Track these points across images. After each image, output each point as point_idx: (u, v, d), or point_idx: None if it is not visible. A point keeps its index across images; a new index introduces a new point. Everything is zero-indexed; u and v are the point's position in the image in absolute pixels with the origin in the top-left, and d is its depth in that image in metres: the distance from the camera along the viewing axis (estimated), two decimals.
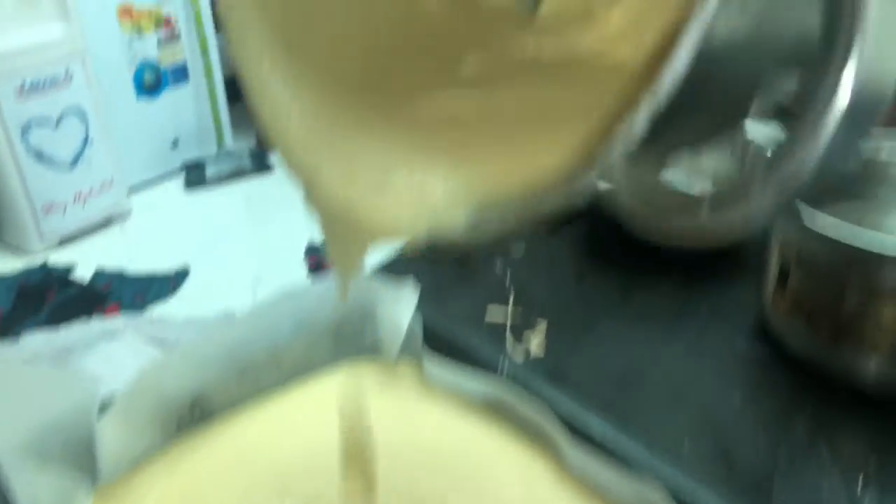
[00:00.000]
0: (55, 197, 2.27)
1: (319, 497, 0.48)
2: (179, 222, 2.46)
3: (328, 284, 0.57)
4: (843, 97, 0.25)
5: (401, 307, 0.58)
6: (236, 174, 2.69)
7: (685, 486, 0.48)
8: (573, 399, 0.54)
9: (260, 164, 2.75)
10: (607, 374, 0.62)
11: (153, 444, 0.52)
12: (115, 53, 2.49)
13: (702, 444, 0.54)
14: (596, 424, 0.52)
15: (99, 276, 2.05)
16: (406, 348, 0.60)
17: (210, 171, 2.69)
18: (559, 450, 0.50)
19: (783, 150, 0.25)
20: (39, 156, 2.22)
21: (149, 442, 0.52)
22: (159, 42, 2.59)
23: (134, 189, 2.56)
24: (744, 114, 0.26)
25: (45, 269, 2.13)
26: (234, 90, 2.97)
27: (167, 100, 2.66)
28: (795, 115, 0.25)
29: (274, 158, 2.79)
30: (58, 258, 2.23)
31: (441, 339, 0.61)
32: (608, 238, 0.82)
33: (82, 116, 2.29)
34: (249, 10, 0.32)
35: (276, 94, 0.33)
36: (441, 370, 0.58)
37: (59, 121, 2.24)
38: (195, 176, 2.68)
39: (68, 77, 2.23)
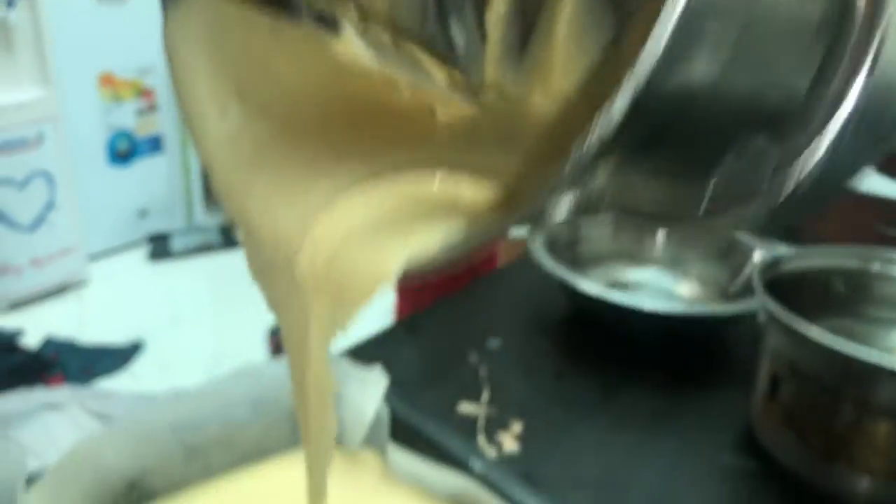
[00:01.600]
0: (11, 259, 2.20)
1: None
2: (139, 294, 2.39)
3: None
4: (851, 102, 0.22)
5: (367, 392, 0.54)
6: (203, 248, 2.64)
7: None
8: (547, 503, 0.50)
9: (228, 240, 2.71)
10: (585, 480, 0.58)
11: None
12: (91, 119, 2.47)
13: None
14: None
15: (48, 344, 1.96)
16: (370, 437, 0.55)
17: (176, 244, 2.63)
18: None
19: (784, 159, 0.22)
20: (0, 216, 2.16)
21: None
22: (138, 111, 2.57)
23: (96, 257, 2.50)
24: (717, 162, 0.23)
25: None
26: None
27: (139, 169, 2.62)
28: (798, 120, 0.22)
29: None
30: (7, 322, 2.14)
31: (408, 430, 0.57)
32: (589, 336, 0.78)
33: (49, 180, 2.25)
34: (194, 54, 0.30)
35: (216, 131, 0.31)
36: (406, 461, 0.53)
37: (24, 183, 2.19)
38: (160, 248, 2.62)
39: (39, 139, 2.19)
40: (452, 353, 0.73)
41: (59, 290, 2.34)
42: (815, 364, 0.54)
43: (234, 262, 2.58)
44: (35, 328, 2.09)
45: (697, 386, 0.71)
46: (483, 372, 0.71)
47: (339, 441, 0.56)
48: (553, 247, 0.78)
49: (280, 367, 0.55)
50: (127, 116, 2.56)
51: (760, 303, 0.59)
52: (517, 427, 0.63)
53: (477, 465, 0.52)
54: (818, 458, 0.55)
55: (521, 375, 0.72)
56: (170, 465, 0.50)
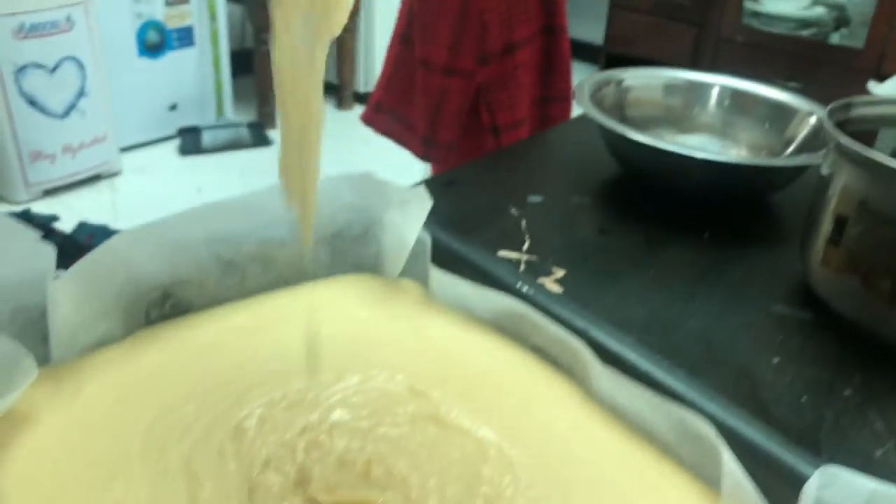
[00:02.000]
0: (44, 146, 2.19)
1: (272, 412, 0.41)
2: (169, 185, 2.38)
3: (332, 182, 0.51)
4: None
5: (409, 216, 0.51)
6: (233, 145, 2.62)
7: (728, 423, 0.41)
8: (601, 324, 0.47)
9: (258, 138, 2.68)
10: (632, 321, 0.55)
11: (115, 329, 0.45)
12: (121, 8, 2.42)
13: (740, 393, 0.48)
14: (629, 350, 0.46)
15: (82, 227, 1.97)
16: (411, 265, 0.53)
17: (206, 139, 2.61)
18: (585, 373, 0.44)
19: None
20: (32, 101, 2.14)
21: (111, 325, 0.45)
22: (167, 2, 2.52)
23: (127, 149, 2.48)
24: None
25: (27, 215, 2.05)
26: (240, 63, 2.91)
27: (169, 62, 2.58)
28: None
29: (273, 134, 2.73)
30: (41, 208, 2.15)
31: (450, 260, 0.54)
32: (635, 195, 0.75)
33: (80, 66, 2.22)
34: None
35: None
36: (449, 284, 0.51)
37: (55, 68, 2.17)
38: (191, 142, 2.60)
39: (70, 23, 2.16)
40: (492, 207, 0.71)
41: (92, 179, 2.34)
42: (890, 198, 0.50)
43: (262, 158, 2.56)
44: (68, 216, 2.10)
45: (748, 242, 0.68)
46: (524, 224, 0.68)
47: (380, 270, 0.54)
48: (600, 110, 0.74)
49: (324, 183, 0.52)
50: (157, 7, 2.51)
51: (827, 146, 0.55)
52: (559, 272, 0.61)
53: (524, 288, 0.50)
54: (883, 304, 0.52)
55: (562, 229, 0.69)
56: (204, 277, 0.48)
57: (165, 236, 0.46)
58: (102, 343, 0.45)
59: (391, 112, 1.22)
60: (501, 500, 0.37)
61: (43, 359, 0.42)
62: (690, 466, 0.40)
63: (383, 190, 0.52)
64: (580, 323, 0.47)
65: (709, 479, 0.39)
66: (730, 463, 0.36)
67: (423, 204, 0.51)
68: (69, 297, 0.41)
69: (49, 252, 0.42)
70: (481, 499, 0.37)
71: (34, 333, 0.42)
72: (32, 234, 0.41)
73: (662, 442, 0.41)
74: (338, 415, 0.41)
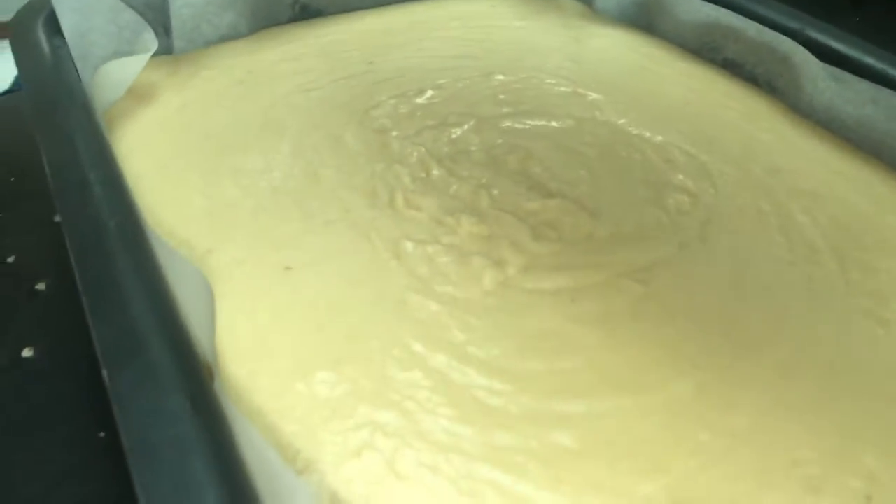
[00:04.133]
0: None
1: (409, 103, 0.35)
2: None
3: None
4: None
5: None
6: None
7: None
8: (821, 24, 0.38)
9: None
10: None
11: (240, 24, 0.40)
12: None
13: None
14: (858, 48, 0.36)
15: None
16: None
17: None
18: (796, 82, 0.36)
19: None
20: None
21: (236, 18, 0.39)
22: None
23: None
24: None
25: None
26: None
27: None
28: None
29: None
30: None
31: None
32: None
33: None
34: None
35: None
36: None
37: None
38: None
39: None
40: None
41: None
42: None
43: None
44: None
45: None
46: None
47: None
48: None
49: None
50: None
51: None
52: None
53: None
54: None
55: None
56: None
57: None
58: (226, 38, 0.40)
59: None
60: (700, 207, 0.31)
61: (166, 49, 0.38)
62: None
63: None
64: (794, 22, 0.38)
65: None
66: None
67: None
68: None
69: None
70: (674, 204, 0.31)
71: (156, 24, 0.37)
72: None
73: None
74: (487, 108, 0.35)
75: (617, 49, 0.41)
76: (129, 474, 0.15)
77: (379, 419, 0.21)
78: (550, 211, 0.30)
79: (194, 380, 0.18)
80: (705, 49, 0.41)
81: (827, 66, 0.35)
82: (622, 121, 0.36)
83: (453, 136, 0.33)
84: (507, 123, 0.34)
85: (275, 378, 0.22)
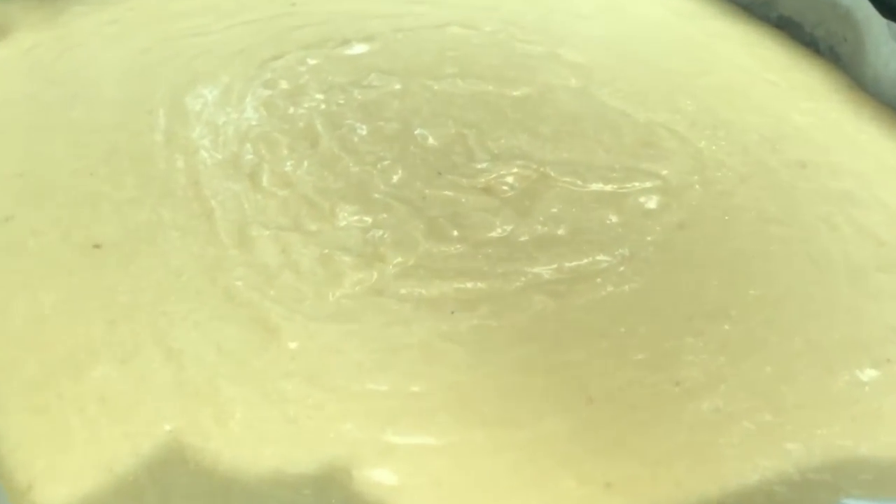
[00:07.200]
0: None
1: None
2: None
3: None
4: None
5: None
6: None
7: None
8: None
9: None
10: None
11: None
12: None
13: None
14: None
15: None
16: None
17: None
18: (858, 40, 0.26)
19: None
20: None
21: None
22: None
23: None
24: None
25: None
26: None
27: None
28: None
29: None
30: None
31: None
32: None
33: None
34: None
35: None
36: None
37: None
38: None
39: None
40: None
41: None
42: None
43: None
44: None
45: None
46: None
47: None
48: None
49: None
50: None
51: None
52: None
53: None
54: None
55: None
56: None
57: None
58: None
59: None
60: (673, 209, 0.22)
61: None
62: None
63: None
64: None
65: None
66: None
67: None
68: None
69: None
70: (634, 204, 0.22)
71: None
72: None
73: None
74: (423, 68, 0.27)
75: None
76: None
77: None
78: (462, 203, 0.22)
79: None
80: (756, 4, 0.32)
81: (892, 23, 0.25)
82: (603, 91, 0.27)
83: (366, 99, 0.25)
84: (441, 88, 0.26)
85: None
